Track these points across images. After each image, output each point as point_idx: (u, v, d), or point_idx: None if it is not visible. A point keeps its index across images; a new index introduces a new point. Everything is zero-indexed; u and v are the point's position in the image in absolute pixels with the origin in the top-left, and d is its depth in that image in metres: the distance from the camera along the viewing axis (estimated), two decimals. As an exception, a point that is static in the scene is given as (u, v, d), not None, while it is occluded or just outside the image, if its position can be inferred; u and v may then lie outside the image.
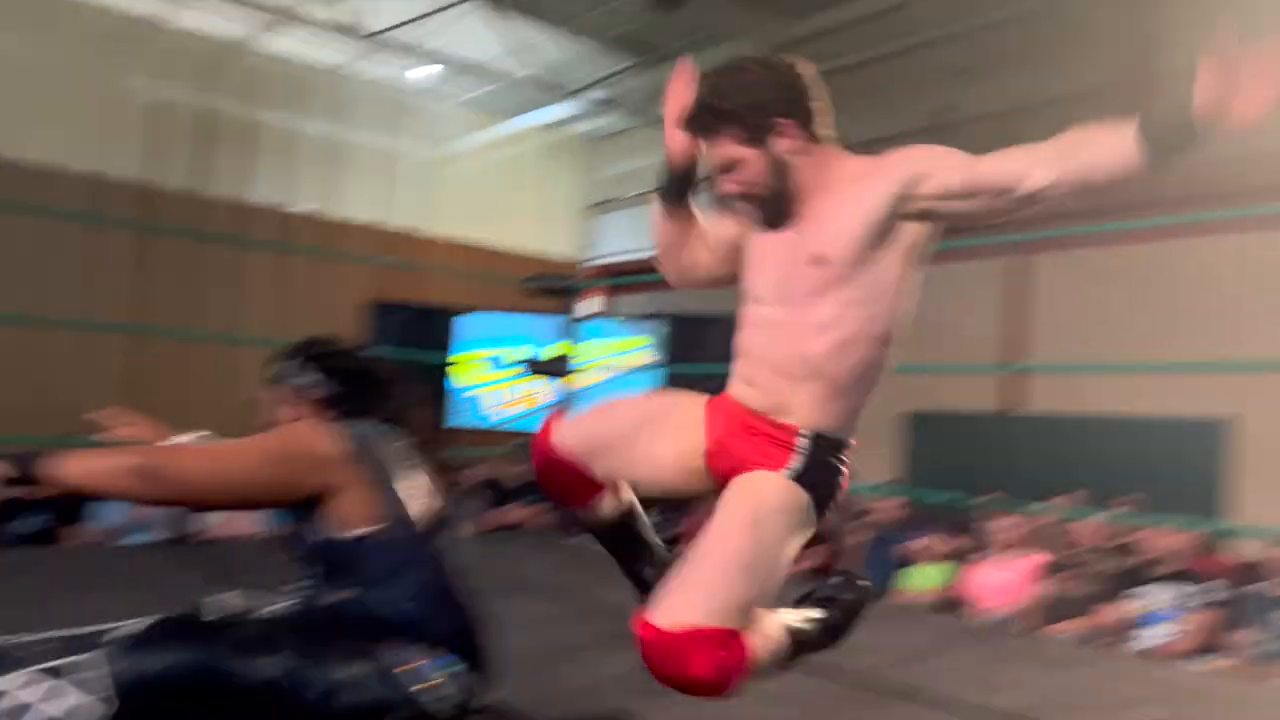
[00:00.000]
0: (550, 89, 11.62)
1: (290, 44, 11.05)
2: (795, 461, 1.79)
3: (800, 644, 1.86)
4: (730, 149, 1.72)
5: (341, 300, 11.34)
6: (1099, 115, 1.65)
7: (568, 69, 11.42)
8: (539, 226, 12.90)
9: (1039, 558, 5.54)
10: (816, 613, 1.92)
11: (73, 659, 1.62)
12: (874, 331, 1.76)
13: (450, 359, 10.33)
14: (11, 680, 1.59)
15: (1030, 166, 1.62)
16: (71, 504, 5.59)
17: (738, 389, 1.91)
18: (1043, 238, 7.13)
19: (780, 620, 1.85)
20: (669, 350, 11.27)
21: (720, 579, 1.67)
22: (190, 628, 1.68)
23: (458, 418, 10.33)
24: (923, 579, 5.73)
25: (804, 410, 1.80)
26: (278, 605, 1.96)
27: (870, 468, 9.11)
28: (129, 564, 3.83)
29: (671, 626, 1.63)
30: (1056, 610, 5.01)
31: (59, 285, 9.63)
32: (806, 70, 1.76)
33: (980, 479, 7.53)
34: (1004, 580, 5.44)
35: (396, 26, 10.36)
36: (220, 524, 5.99)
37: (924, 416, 9.14)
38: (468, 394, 10.58)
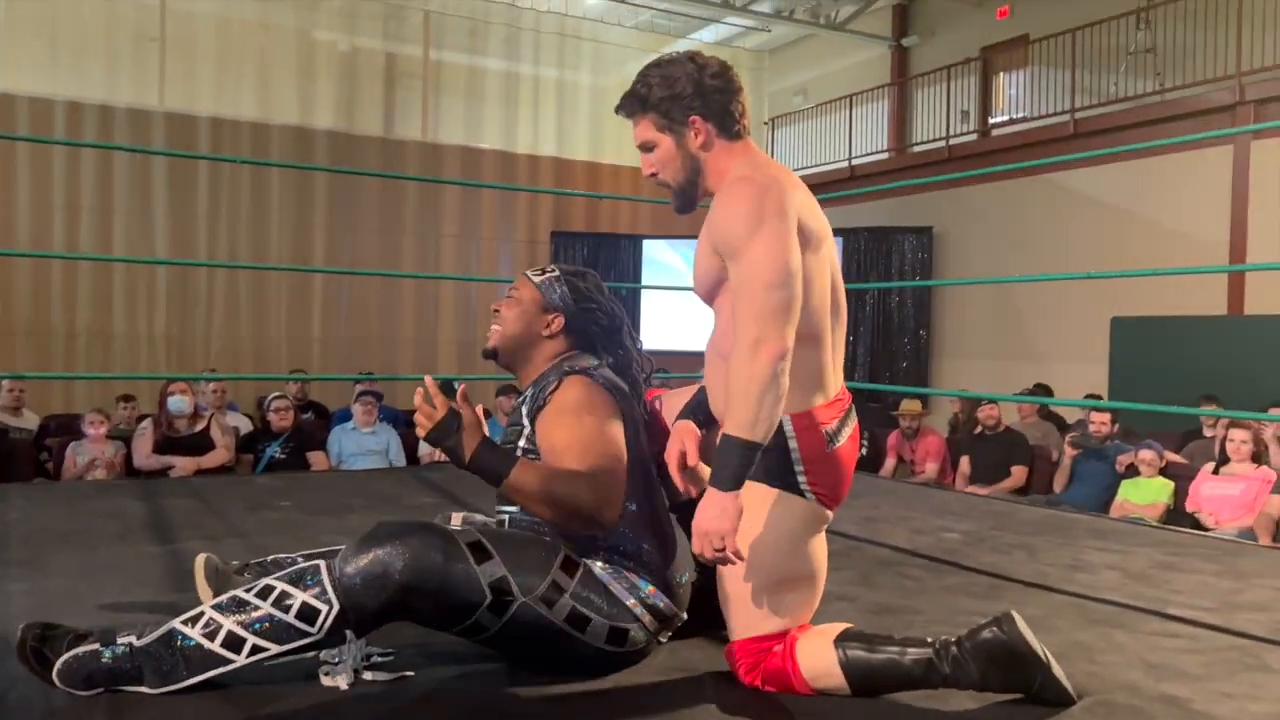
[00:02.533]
0: (719, 5, 11.41)
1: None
2: None
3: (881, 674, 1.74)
4: (648, 132, 1.88)
5: (525, 232, 11.72)
6: None
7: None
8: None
9: (1270, 470, 5.20)
10: (918, 651, 1.74)
11: (298, 568, 1.71)
12: None
13: (641, 284, 10.48)
14: (242, 595, 1.68)
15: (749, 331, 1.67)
16: (309, 436, 6.10)
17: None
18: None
19: (828, 644, 1.77)
20: (852, 266, 11.06)
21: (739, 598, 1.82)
22: (409, 530, 1.71)
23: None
24: (1143, 492, 5.48)
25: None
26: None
27: (1080, 377, 8.72)
28: (364, 486, 4.16)
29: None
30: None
31: (273, 228, 10.38)
32: (735, 74, 1.89)
33: (1199, 385, 7.10)
34: (1234, 494, 5.14)
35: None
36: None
37: (1132, 321, 8.64)
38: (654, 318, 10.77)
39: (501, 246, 11.54)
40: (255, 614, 1.66)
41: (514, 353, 2.06)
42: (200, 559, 2.15)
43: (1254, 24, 8.28)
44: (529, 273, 2.10)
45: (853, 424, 1.88)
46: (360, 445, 6.07)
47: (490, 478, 1.80)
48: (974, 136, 11.01)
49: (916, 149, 11.60)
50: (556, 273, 2.09)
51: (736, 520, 1.66)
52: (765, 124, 13.56)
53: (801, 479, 1.79)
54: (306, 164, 10.16)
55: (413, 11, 11.42)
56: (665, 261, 11.25)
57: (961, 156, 10.47)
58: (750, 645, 1.81)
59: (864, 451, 7.32)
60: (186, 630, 1.67)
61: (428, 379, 1.83)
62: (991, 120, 11.08)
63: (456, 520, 2.15)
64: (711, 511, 1.66)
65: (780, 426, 1.76)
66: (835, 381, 1.87)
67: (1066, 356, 9.44)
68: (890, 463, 7.09)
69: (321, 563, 1.71)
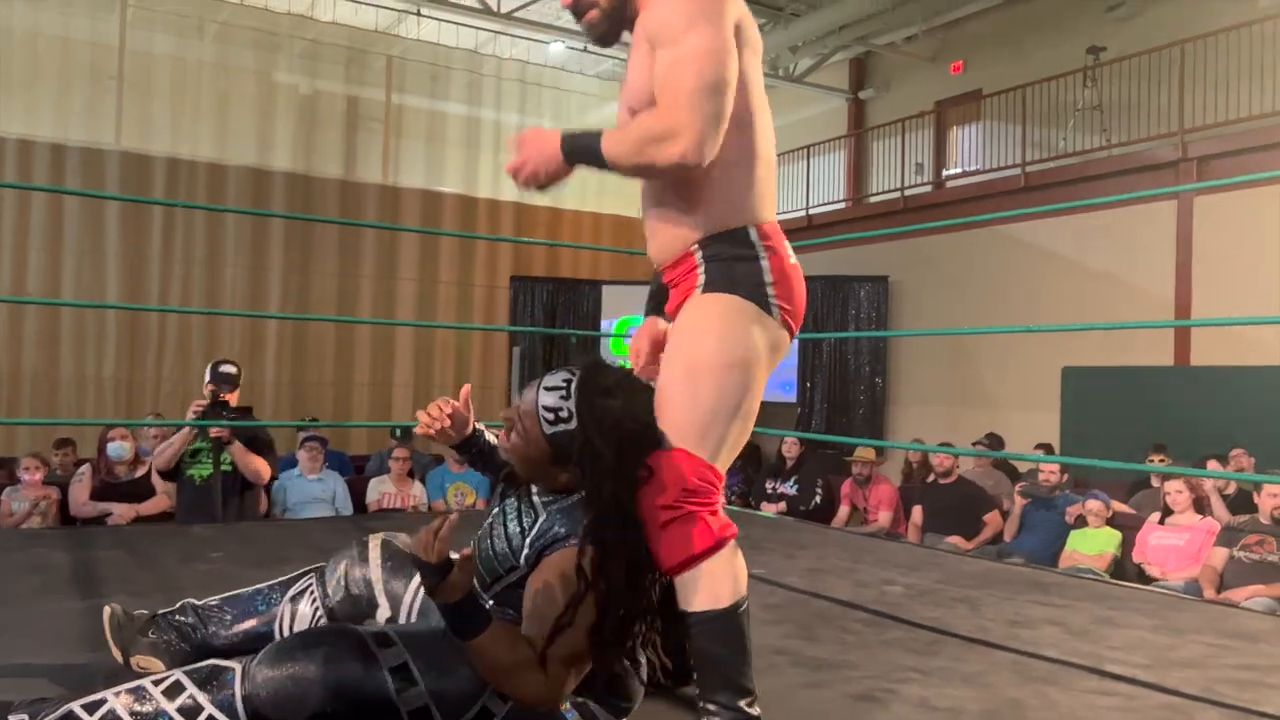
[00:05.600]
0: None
1: (429, 29, 11.37)
2: (702, 275, 1.78)
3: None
4: None
5: (485, 276, 11.70)
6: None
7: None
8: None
9: (1214, 521, 5.26)
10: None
11: (210, 666, 1.64)
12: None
13: (602, 332, 10.46)
14: (149, 687, 1.61)
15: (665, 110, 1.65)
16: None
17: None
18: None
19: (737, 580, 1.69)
20: (809, 314, 11.15)
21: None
22: (328, 641, 1.64)
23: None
24: (1091, 543, 5.52)
25: (687, 229, 1.78)
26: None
27: (1032, 425, 8.80)
28: (303, 535, 4.07)
29: None
30: (1237, 577, 4.75)
31: (228, 269, 10.28)
32: None
33: (1147, 434, 7.19)
34: (1179, 545, 5.19)
35: (530, 3, 10.50)
36: (384, 496, 6.30)
37: (1082, 370, 8.76)
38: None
39: (460, 290, 11.51)
40: (158, 709, 1.58)
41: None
42: (106, 612, 2.06)
43: (1196, 84, 8.53)
44: (543, 406, 1.74)
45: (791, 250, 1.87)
46: (306, 492, 5.95)
47: (454, 629, 1.61)
48: (928, 188, 11.20)
49: (873, 199, 11.77)
50: (573, 423, 1.71)
51: (549, 159, 1.72)
52: (725, 172, 13.69)
53: (770, 292, 1.76)
54: (264, 210, 10.08)
55: (375, 56, 11.47)
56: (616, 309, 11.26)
57: (916, 208, 10.64)
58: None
59: (818, 499, 7.31)
60: (83, 716, 1.58)
61: (453, 517, 1.61)
62: (945, 173, 11.29)
63: (375, 544, 2.06)
64: (535, 137, 1.75)
65: (748, 237, 1.76)
66: (775, 205, 1.86)
67: (1019, 405, 9.54)
68: (844, 510, 7.09)
69: (237, 668, 1.62)
